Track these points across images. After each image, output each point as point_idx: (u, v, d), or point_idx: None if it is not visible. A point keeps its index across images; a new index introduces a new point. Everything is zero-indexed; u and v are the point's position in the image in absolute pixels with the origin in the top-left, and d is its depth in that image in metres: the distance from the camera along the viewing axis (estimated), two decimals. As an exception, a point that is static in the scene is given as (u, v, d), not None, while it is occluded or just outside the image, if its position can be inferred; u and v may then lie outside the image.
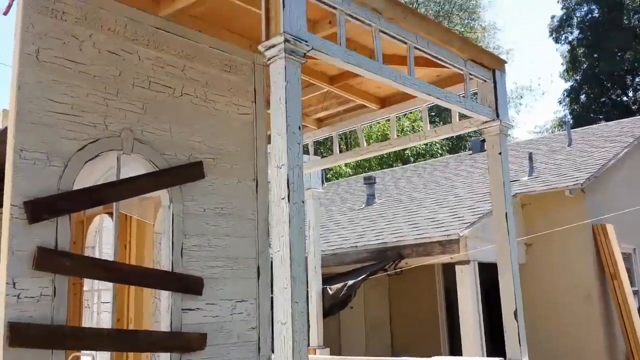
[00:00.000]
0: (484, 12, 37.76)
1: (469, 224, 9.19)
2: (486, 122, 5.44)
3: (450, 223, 9.78)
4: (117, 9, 4.12)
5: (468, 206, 10.76)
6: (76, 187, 3.78)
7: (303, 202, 3.38)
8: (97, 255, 7.06)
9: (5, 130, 5.39)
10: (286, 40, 3.37)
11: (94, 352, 6.66)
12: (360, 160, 26.72)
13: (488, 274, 8.79)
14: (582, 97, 34.12)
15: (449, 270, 10.43)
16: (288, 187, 3.29)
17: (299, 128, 3.45)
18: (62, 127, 3.74)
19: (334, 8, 3.91)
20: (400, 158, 28.31)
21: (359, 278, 9.13)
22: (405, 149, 27.38)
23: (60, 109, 3.75)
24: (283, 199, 3.29)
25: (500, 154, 5.40)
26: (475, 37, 34.38)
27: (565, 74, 34.69)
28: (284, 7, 3.40)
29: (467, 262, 8.87)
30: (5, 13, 3.78)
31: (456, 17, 35.30)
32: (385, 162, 27.65)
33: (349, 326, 13.33)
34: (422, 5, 36.48)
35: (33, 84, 3.63)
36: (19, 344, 3.31)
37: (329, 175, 26.60)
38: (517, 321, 5.10)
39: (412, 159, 28.15)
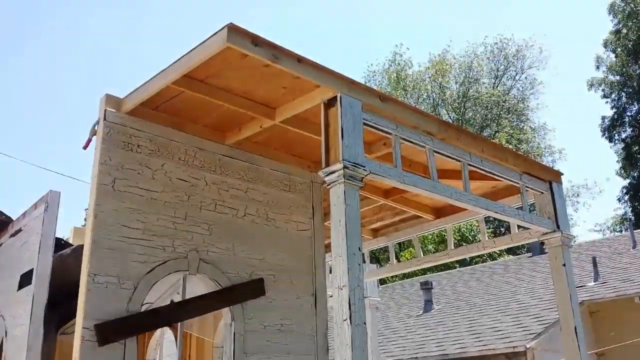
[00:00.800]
0: (532, 114, 38.00)
1: (535, 334, 8.84)
2: (546, 233, 5.38)
3: (514, 333, 9.42)
4: (187, 140, 4.44)
5: (533, 314, 10.39)
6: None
7: (364, 323, 3.40)
8: (157, 369, 7.10)
9: (75, 249, 5.68)
10: (345, 167, 3.54)
11: None
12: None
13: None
14: (642, 194, 33.23)
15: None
16: (350, 308, 3.33)
17: (359, 249, 3.53)
18: (134, 251, 3.94)
19: (389, 133, 4.10)
20: (456, 258, 27.75)
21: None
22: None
23: (133, 234, 3.97)
24: (345, 320, 3.33)
25: (564, 265, 5.29)
26: (526, 137, 34.40)
27: (622, 172, 34.06)
28: (342, 137, 3.60)
29: (535, 375, 8.45)
30: (85, 147, 4.10)
31: (505, 120, 35.59)
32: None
33: None
34: (469, 109, 37.05)
35: (108, 212, 3.88)
36: None
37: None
38: None
39: (468, 259, 27.56)
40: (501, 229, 28.55)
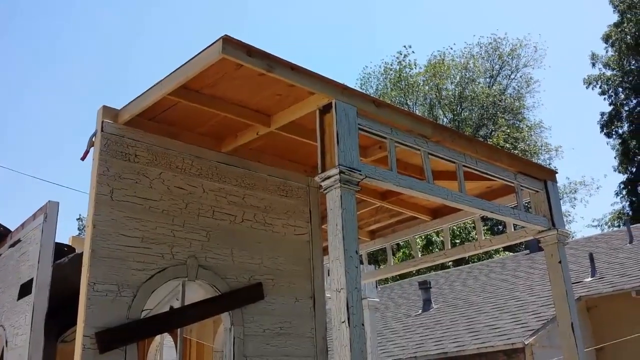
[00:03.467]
0: (528, 112, 38.15)
1: (533, 331, 8.91)
2: (542, 231, 5.43)
3: (512, 330, 9.48)
4: (184, 148, 4.48)
5: (531, 311, 10.45)
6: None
7: (362, 324, 3.45)
8: (157, 374, 7.13)
9: (72, 258, 5.71)
10: (341, 172, 3.58)
11: None
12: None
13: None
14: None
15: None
16: (348, 310, 3.38)
17: (356, 252, 3.58)
18: (133, 259, 3.99)
19: (384, 137, 4.15)
20: (453, 257, 27.76)
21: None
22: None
23: (131, 243, 4.01)
24: (343, 322, 3.37)
25: (560, 262, 5.34)
26: (522, 136, 34.49)
27: (620, 167, 34.20)
28: (338, 142, 3.65)
29: (534, 372, 8.51)
30: (83, 159, 4.14)
31: (501, 119, 35.71)
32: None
33: None
34: (466, 109, 37.15)
35: (107, 222, 3.93)
36: None
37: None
38: None
39: (467, 257, 27.59)
40: (498, 227, 28.62)
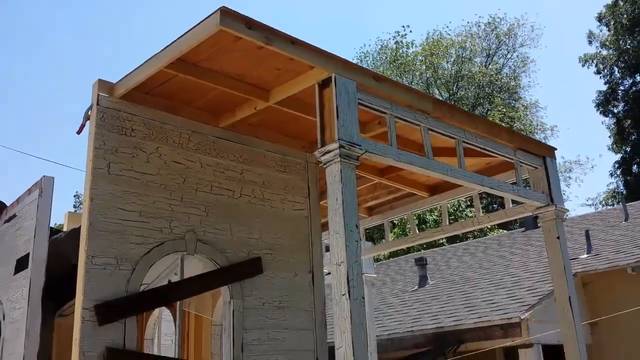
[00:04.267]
0: (524, 92, 38.06)
1: (529, 306, 8.97)
2: (540, 207, 5.44)
3: (509, 305, 9.55)
4: (181, 123, 4.44)
5: (527, 287, 10.52)
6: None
7: (363, 297, 3.45)
8: (155, 347, 7.18)
9: (69, 233, 5.70)
10: (341, 146, 3.55)
11: None
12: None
13: (552, 356, 8.47)
14: (635, 167, 33.43)
15: (510, 354, 10.09)
16: (348, 283, 3.38)
17: (356, 226, 3.56)
18: (131, 233, 3.97)
19: (384, 113, 4.11)
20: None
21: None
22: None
23: (129, 217, 3.99)
24: (343, 295, 3.38)
25: (558, 238, 5.36)
26: (518, 115, 34.45)
27: (614, 146, 34.23)
28: (337, 117, 3.62)
29: (530, 345, 8.60)
30: (79, 132, 4.11)
31: (497, 99, 35.62)
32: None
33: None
34: (462, 88, 37.03)
35: (104, 196, 3.90)
36: None
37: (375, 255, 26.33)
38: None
39: (461, 235, 27.70)
40: (493, 206, 28.69)
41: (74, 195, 39.16)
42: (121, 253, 3.89)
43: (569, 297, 5.18)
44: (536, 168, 5.50)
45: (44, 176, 5.22)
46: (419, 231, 7.56)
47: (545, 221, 5.49)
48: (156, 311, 7.42)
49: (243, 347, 4.34)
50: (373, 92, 4.04)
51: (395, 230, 24.66)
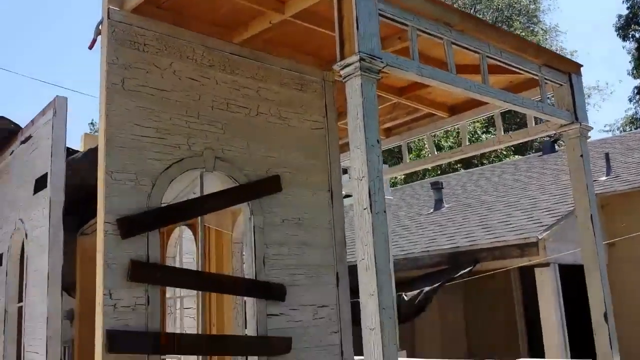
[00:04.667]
0: (544, 15, 36.75)
1: (547, 226, 8.97)
2: (565, 125, 5.30)
3: (526, 226, 9.56)
4: (193, 38, 4.30)
5: (544, 208, 10.49)
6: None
7: (384, 211, 3.41)
8: (177, 265, 7.32)
9: (87, 153, 5.70)
10: (361, 59, 3.41)
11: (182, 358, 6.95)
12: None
13: (568, 276, 8.55)
14: (654, 93, 32.66)
15: (526, 273, 10.20)
16: (370, 197, 3.33)
17: (378, 141, 3.47)
18: (149, 149, 3.93)
19: (406, 25, 3.93)
20: (462, 161, 27.70)
21: (436, 285, 9.03)
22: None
23: (146, 133, 3.94)
24: (365, 209, 3.33)
25: (581, 156, 5.26)
26: (537, 39, 33.48)
27: (634, 72, 33.27)
28: (357, 27, 3.45)
29: (547, 264, 8.66)
30: (91, 47, 4.01)
31: (516, 22, 34.47)
32: (441, 166, 26.98)
33: (422, 331, 13.19)
34: (480, 13, 35.85)
35: (120, 111, 3.84)
36: (117, 351, 3.49)
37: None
38: (607, 323, 4.96)
39: (475, 162, 27.52)
40: (507, 132, 28.19)
41: (89, 123, 39.28)
42: (140, 169, 3.86)
43: (591, 215, 5.13)
44: (561, 85, 5.33)
45: (57, 96, 5.16)
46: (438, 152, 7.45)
47: (570, 139, 5.37)
48: (177, 230, 7.52)
49: (264, 261, 4.38)
50: (395, 3, 3.85)
51: (411, 156, 24.57)
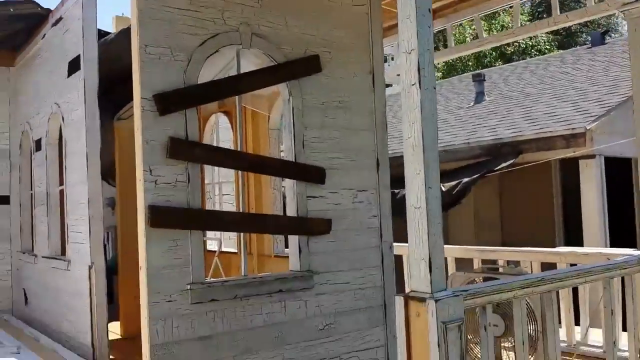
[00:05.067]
0: None
1: (596, 117, 8.56)
2: (628, 3, 4.84)
3: (573, 117, 9.16)
4: None
5: (594, 99, 10.00)
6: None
7: (434, 87, 3.17)
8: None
9: (119, 34, 5.49)
10: None
11: (220, 237, 7.08)
12: (451, 62, 25.21)
13: (612, 169, 8.29)
14: None
15: (568, 165, 9.91)
16: (419, 72, 3.07)
17: (429, 10, 3.17)
18: (183, 23, 3.70)
19: None
20: (501, 57, 26.50)
21: (475, 176, 8.83)
22: (507, 46, 25.41)
23: (179, 4, 3.69)
24: (413, 84, 3.09)
25: (645, 37, 4.83)
26: None
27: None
28: None
29: (592, 156, 8.36)
30: None
31: None
32: (481, 62, 25.86)
33: (456, 222, 13.17)
34: None
35: (151, -20, 3.57)
36: (159, 225, 3.45)
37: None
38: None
39: (515, 58, 26.36)
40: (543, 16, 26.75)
41: (116, 15, 38.72)
42: (174, 43, 3.65)
43: (652, 99, 4.78)
44: (630, -46, 4.80)
45: (84, -26, 4.91)
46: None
47: (632, 19, 4.89)
48: (213, 117, 7.42)
49: (304, 143, 4.24)
50: None
51: (458, 39, 23.61)
